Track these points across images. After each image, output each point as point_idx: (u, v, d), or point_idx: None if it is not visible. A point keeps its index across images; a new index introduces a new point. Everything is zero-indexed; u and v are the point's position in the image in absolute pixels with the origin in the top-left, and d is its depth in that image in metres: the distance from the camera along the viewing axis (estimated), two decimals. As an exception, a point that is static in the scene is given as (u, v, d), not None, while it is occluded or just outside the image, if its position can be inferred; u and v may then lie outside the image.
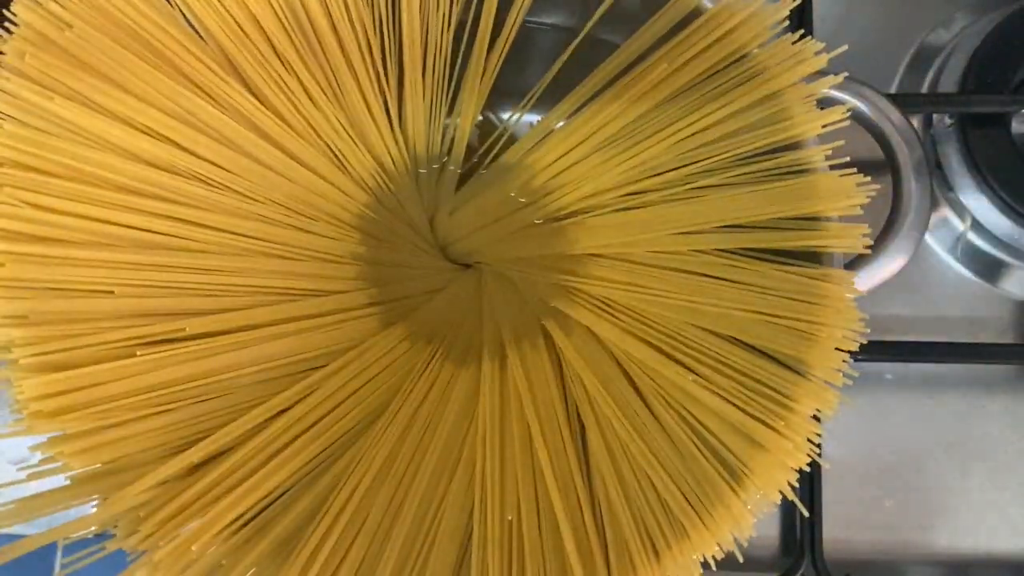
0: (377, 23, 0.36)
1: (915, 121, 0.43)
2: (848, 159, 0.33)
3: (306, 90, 0.35)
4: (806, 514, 0.41)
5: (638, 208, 0.36)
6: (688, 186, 0.35)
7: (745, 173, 0.34)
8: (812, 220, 0.34)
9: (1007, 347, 0.45)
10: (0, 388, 0.31)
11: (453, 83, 0.37)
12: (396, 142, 0.37)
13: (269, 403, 0.33)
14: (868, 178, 0.33)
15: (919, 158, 0.38)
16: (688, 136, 0.35)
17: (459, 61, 0.37)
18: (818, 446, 0.32)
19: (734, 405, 0.32)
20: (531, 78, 0.38)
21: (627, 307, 0.35)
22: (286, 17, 0.34)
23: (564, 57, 0.37)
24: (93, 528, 0.30)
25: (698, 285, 0.34)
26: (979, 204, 0.44)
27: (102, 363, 0.31)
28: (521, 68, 0.39)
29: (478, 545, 0.32)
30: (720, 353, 0.33)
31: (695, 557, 0.31)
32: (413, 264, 0.38)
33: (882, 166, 0.39)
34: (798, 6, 0.35)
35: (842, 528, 0.43)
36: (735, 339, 0.34)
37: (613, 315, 0.36)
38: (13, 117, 0.31)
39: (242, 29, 0.34)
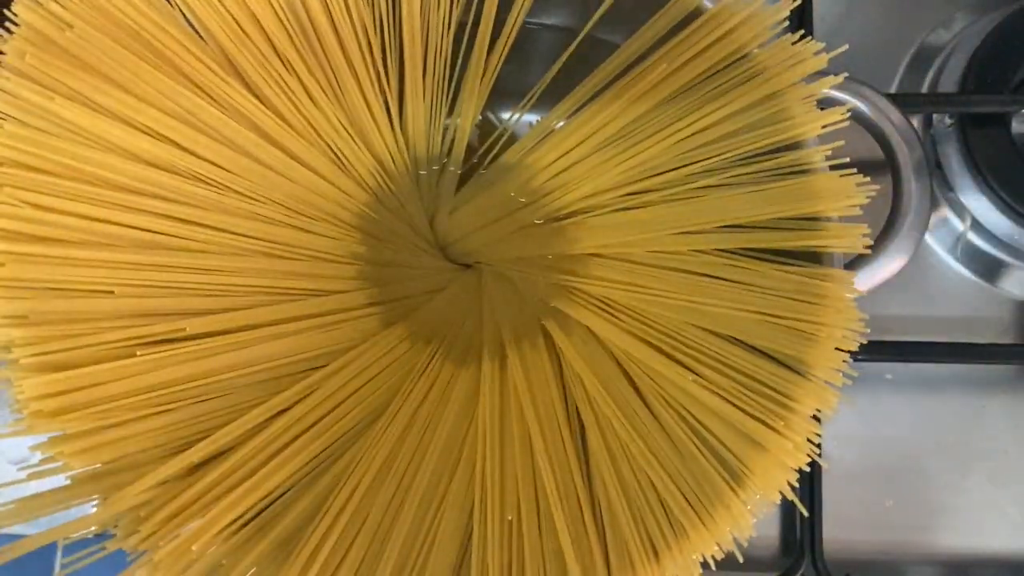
0: (378, 23, 0.36)
1: (915, 121, 0.43)
2: (848, 159, 0.33)
3: (306, 90, 0.35)
4: (806, 514, 0.41)
5: (638, 208, 0.36)
6: (688, 186, 0.35)
7: (745, 173, 0.35)
8: (812, 220, 0.34)
9: (1007, 347, 0.45)
10: (0, 388, 0.31)
11: (453, 83, 0.37)
12: (396, 142, 0.37)
13: (269, 403, 0.33)
14: (868, 178, 0.33)
15: (919, 158, 0.39)
16: (688, 136, 0.35)
17: (459, 62, 0.37)
18: (818, 446, 0.32)
19: (734, 405, 0.32)
20: (531, 78, 0.38)
21: (627, 307, 0.35)
22: (286, 17, 0.34)
23: (564, 57, 0.37)
24: (93, 528, 0.30)
25: (698, 285, 0.34)
26: (979, 204, 0.44)
27: (102, 363, 0.31)
28: (521, 68, 0.39)
29: (478, 545, 0.32)
30: (720, 353, 0.33)
31: (695, 557, 0.31)
32: (413, 264, 0.38)
33: (882, 166, 0.39)
34: (798, 6, 0.35)
35: (842, 528, 0.43)
36: (735, 339, 0.34)
37: (613, 315, 0.36)
38: (13, 117, 0.31)
39: (242, 29, 0.34)
